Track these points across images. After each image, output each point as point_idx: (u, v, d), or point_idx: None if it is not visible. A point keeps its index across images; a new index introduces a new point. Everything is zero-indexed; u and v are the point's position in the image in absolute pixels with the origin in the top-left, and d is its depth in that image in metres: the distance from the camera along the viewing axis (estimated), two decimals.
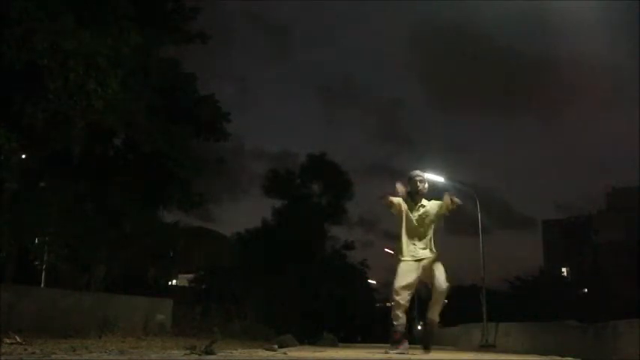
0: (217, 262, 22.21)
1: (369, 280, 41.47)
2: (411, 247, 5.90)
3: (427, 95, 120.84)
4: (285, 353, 5.41)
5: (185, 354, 4.45)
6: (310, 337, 13.73)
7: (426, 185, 6.05)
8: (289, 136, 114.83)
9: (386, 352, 5.69)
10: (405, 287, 5.85)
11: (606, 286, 31.09)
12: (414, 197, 5.97)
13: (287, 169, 31.36)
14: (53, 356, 3.95)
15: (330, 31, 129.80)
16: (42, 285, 11.84)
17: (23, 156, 8.96)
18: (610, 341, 6.41)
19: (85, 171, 10.71)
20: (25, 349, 4.54)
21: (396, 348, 5.71)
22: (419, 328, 39.35)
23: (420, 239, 5.90)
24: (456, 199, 5.90)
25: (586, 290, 36.31)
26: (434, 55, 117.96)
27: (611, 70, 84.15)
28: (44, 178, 10.99)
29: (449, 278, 5.85)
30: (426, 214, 5.93)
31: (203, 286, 23.40)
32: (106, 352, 4.67)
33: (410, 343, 6.00)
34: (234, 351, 5.74)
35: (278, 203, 29.58)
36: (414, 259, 5.86)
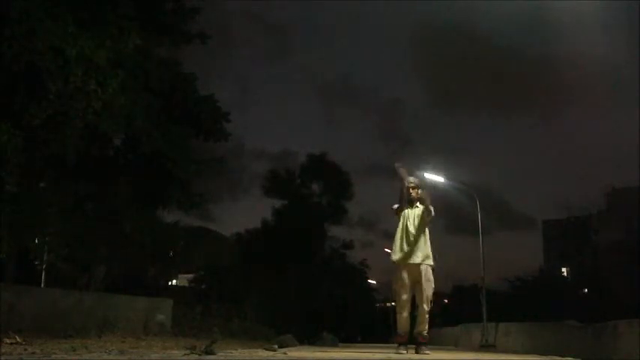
0: (217, 262, 22.24)
1: (369, 280, 41.51)
2: (406, 249, 5.93)
3: (427, 95, 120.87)
4: (285, 353, 5.41)
5: (185, 354, 4.45)
6: (310, 337, 13.74)
7: (420, 190, 6.07)
8: (289, 136, 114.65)
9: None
10: (404, 289, 5.88)
11: (606, 286, 31.06)
12: (411, 203, 6.04)
13: (287, 169, 31.42)
14: (53, 356, 3.95)
15: (330, 31, 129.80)
16: (42, 285, 11.84)
17: (25, 154, 8.95)
18: (610, 341, 6.41)
19: (84, 171, 10.70)
20: (25, 349, 4.54)
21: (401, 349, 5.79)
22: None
23: (415, 242, 5.93)
24: (424, 202, 5.95)
25: (586, 290, 36.29)
26: (434, 55, 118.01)
27: (611, 70, 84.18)
28: (44, 178, 10.99)
29: (431, 300, 5.93)
30: (419, 216, 5.99)
31: (203, 286, 23.40)
32: (106, 352, 4.67)
33: (412, 343, 6.03)
34: (234, 351, 5.74)
35: (278, 203, 29.63)
36: (408, 261, 5.90)
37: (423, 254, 5.90)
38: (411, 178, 6.14)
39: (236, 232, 29.13)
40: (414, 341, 6.04)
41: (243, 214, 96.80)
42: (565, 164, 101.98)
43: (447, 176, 18.81)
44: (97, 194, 11.02)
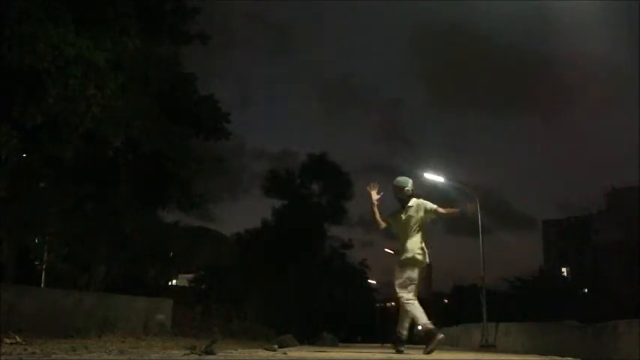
0: (217, 262, 22.23)
1: (369, 280, 41.53)
2: (403, 247, 5.98)
3: (427, 95, 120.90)
4: (285, 353, 5.41)
5: (185, 354, 4.45)
6: (310, 337, 13.74)
7: (408, 188, 6.05)
8: (289, 135, 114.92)
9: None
10: (403, 287, 5.90)
11: (606, 286, 31.07)
12: (402, 202, 6.06)
13: (287, 169, 31.41)
14: (53, 356, 3.95)
15: (331, 30, 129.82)
16: (42, 285, 11.83)
17: (24, 155, 8.95)
18: (610, 341, 6.41)
19: (84, 171, 10.70)
20: (25, 349, 4.54)
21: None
22: (419, 328, 39.33)
23: (408, 240, 5.95)
24: (451, 210, 5.97)
25: (586, 290, 36.29)
26: (434, 55, 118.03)
27: (611, 70, 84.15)
28: (44, 179, 10.99)
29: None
30: (410, 216, 5.97)
31: (203, 286, 23.41)
32: (106, 352, 4.67)
33: (411, 343, 6.06)
34: (234, 351, 5.74)
35: (278, 203, 29.62)
36: (405, 259, 5.93)
37: (419, 250, 5.92)
38: (400, 179, 6.12)
39: (236, 232, 29.14)
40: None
41: (243, 214, 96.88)
42: (565, 164, 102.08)
43: (447, 176, 18.83)
44: (96, 194, 11.01)
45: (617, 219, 38.86)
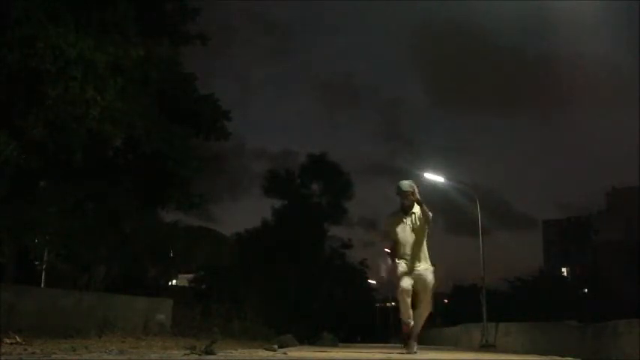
0: (217, 262, 22.21)
1: (369, 280, 41.50)
2: (406, 254, 5.91)
3: (427, 95, 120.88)
4: (285, 353, 5.42)
5: (185, 354, 4.45)
6: (310, 337, 13.74)
7: (413, 197, 5.84)
8: (290, 135, 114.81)
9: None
10: (406, 285, 5.88)
11: (606, 286, 31.10)
12: (405, 210, 5.92)
13: (287, 169, 31.42)
14: (53, 356, 3.96)
15: (331, 30, 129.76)
16: (42, 285, 11.83)
17: (23, 156, 8.94)
18: (610, 341, 6.42)
19: (84, 171, 10.69)
20: (25, 349, 4.54)
21: (407, 345, 5.79)
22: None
23: (413, 247, 5.88)
24: (425, 211, 5.85)
25: (586, 290, 36.32)
26: (434, 55, 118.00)
27: (611, 70, 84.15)
28: (44, 179, 10.98)
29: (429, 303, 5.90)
30: (416, 221, 5.88)
31: (203, 286, 23.39)
32: (106, 352, 4.67)
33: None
34: (234, 351, 5.74)
35: (278, 203, 29.62)
36: (408, 263, 5.89)
37: (424, 258, 5.88)
38: (404, 184, 5.89)
39: (236, 232, 29.12)
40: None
41: (243, 214, 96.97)
42: (565, 164, 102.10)
43: (446, 176, 18.84)
44: (96, 194, 11.00)
45: (617, 219, 38.90)
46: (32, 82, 7.69)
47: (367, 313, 43.48)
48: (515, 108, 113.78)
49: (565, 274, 46.09)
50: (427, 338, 17.28)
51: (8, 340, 5.16)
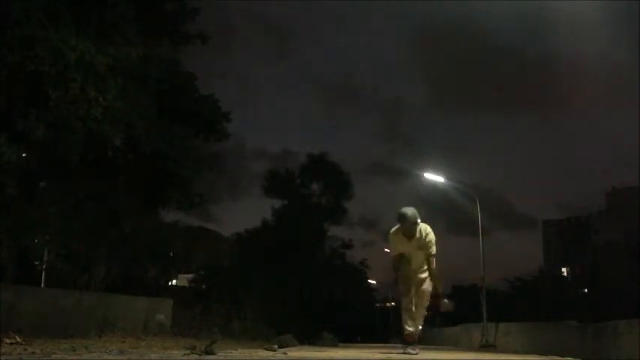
0: (217, 262, 22.21)
1: (369, 280, 41.51)
2: (408, 263, 6.05)
3: (427, 95, 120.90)
4: (285, 353, 5.42)
5: (185, 354, 4.46)
6: (310, 337, 13.73)
7: (416, 222, 5.83)
8: (289, 135, 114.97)
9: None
10: (410, 290, 5.91)
11: (606, 286, 31.09)
12: (406, 235, 5.94)
13: (287, 169, 31.41)
14: (53, 356, 3.96)
15: (331, 30, 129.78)
16: (42, 285, 11.82)
17: (24, 155, 8.95)
18: (610, 341, 6.41)
19: (84, 171, 10.69)
20: (25, 349, 4.54)
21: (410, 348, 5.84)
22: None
23: (416, 260, 6.04)
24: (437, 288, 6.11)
25: (586, 290, 36.32)
26: (434, 55, 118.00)
27: (611, 70, 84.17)
28: (44, 179, 10.98)
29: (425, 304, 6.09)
30: (418, 244, 5.97)
31: (203, 286, 23.39)
32: (106, 352, 4.68)
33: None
34: (234, 351, 5.74)
35: (278, 203, 29.62)
36: (411, 272, 6.05)
37: (425, 269, 6.07)
38: (408, 215, 5.81)
39: (236, 232, 29.12)
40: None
41: (243, 214, 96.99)
42: (565, 164, 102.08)
43: (446, 176, 18.84)
44: (96, 194, 11.00)
45: (617, 219, 38.89)
46: (32, 84, 7.70)
47: (367, 313, 43.48)
48: (515, 108, 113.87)
49: (565, 274, 46.07)
50: (427, 338, 17.27)
51: (8, 340, 5.16)
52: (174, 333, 10.00)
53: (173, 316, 10.84)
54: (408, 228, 5.80)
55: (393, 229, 6.02)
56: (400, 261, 6.06)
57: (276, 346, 6.56)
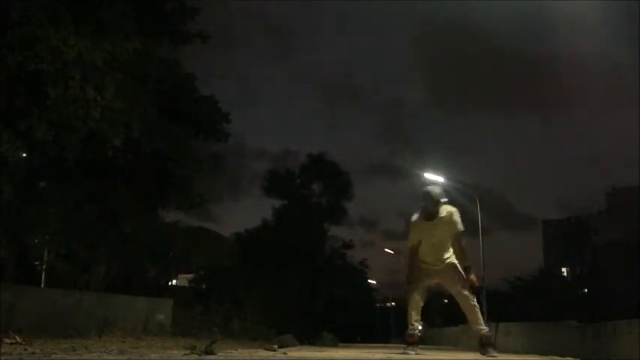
0: (217, 262, 22.20)
1: (369, 280, 41.51)
2: (427, 254, 5.83)
3: (428, 94, 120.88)
4: (285, 353, 5.41)
5: (185, 354, 4.45)
6: (310, 337, 13.72)
7: (440, 201, 5.65)
8: (289, 135, 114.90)
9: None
10: (418, 290, 5.84)
11: (606, 286, 31.06)
12: (429, 216, 5.74)
13: (287, 169, 31.39)
14: (53, 356, 3.96)
15: (331, 30, 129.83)
16: (42, 285, 11.83)
17: (24, 155, 8.95)
18: (610, 341, 6.41)
19: (84, 171, 10.70)
20: (25, 349, 4.54)
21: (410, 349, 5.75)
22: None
23: (435, 247, 5.79)
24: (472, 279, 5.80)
25: (586, 290, 36.30)
26: (434, 55, 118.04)
27: (611, 70, 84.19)
28: (44, 179, 10.98)
29: (462, 285, 5.74)
30: (441, 227, 5.72)
31: (203, 286, 23.38)
32: (106, 352, 4.68)
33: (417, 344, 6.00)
34: (234, 351, 5.74)
35: (278, 203, 29.60)
36: (429, 265, 5.82)
37: (447, 257, 5.80)
38: (431, 191, 5.71)
39: (236, 232, 29.10)
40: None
41: (243, 214, 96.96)
42: (565, 164, 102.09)
43: (446, 176, 18.84)
44: (96, 194, 11.01)
45: (617, 219, 38.86)
46: (33, 83, 7.70)
47: (367, 313, 43.47)
48: (515, 108, 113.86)
49: (565, 274, 46.05)
50: (427, 338, 17.27)
51: (8, 340, 5.17)
52: (174, 333, 10.01)
53: (173, 316, 10.85)
54: (434, 205, 5.65)
55: (414, 216, 5.87)
56: (416, 253, 5.83)
57: (276, 346, 6.56)
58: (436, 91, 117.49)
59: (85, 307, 8.51)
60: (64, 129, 8.27)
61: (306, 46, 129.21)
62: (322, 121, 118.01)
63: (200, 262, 21.91)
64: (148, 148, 10.75)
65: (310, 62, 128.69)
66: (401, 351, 5.97)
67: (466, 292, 5.76)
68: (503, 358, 5.53)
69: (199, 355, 4.38)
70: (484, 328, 5.76)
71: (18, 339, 5.28)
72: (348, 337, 26.12)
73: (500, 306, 25.31)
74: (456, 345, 16.09)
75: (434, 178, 18.84)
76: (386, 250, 43.75)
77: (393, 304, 49.12)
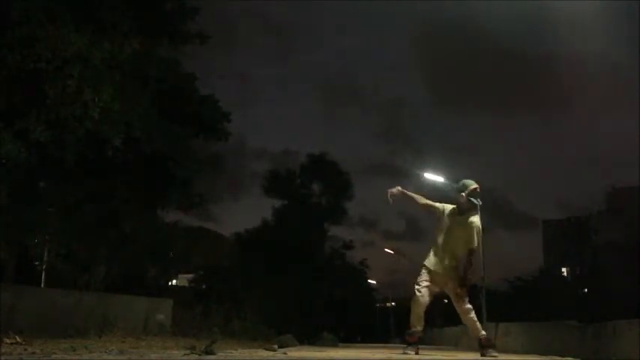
0: (217, 262, 22.21)
1: (369, 280, 41.52)
2: (440, 256, 5.79)
3: (428, 94, 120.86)
4: (285, 353, 5.42)
5: (185, 354, 4.46)
6: (310, 337, 13.73)
7: (463, 194, 5.65)
8: (290, 135, 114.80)
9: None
10: (426, 289, 5.81)
11: (606, 286, 31.04)
12: (460, 211, 5.73)
13: (287, 169, 31.39)
14: (53, 356, 3.96)
15: (331, 30, 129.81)
16: (42, 285, 11.83)
17: (23, 155, 8.95)
18: (610, 341, 6.41)
19: (84, 171, 10.70)
20: (25, 349, 4.54)
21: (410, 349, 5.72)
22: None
23: (449, 251, 5.77)
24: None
25: (586, 290, 36.28)
26: (435, 55, 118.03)
27: (611, 70, 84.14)
28: (44, 179, 10.98)
29: (462, 296, 5.73)
30: (459, 227, 5.70)
31: (203, 286, 23.39)
32: (106, 352, 4.68)
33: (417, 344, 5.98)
34: (234, 351, 5.74)
35: (278, 203, 29.60)
36: (439, 269, 5.79)
37: (455, 266, 5.78)
38: (464, 181, 5.74)
39: (236, 232, 29.10)
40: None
41: (243, 214, 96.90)
42: (565, 164, 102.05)
43: (447, 176, 18.82)
44: (96, 194, 11.01)
45: (617, 219, 38.85)
46: (31, 82, 7.70)
47: (367, 313, 43.49)
48: (516, 108, 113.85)
49: (565, 274, 46.02)
50: (427, 338, 17.25)
51: (8, 340, 5.16)
52: (174, 333, 10.00)
53: (173, 316, 10.85)
54: (459, 197, 5.66)
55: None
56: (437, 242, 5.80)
57: (276, 346, 6.57)
58: (436, 91, 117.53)
59: (85, 307, 8.51)
60: (62, 129, 8.27)
61: (306, 46, 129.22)
62: (322, 121, 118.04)
63: (200, 262, 21.93)
64: (148, 148, 10.75)
65: (310, 62, 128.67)
66: (401, 351, 5.97)
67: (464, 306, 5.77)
68: (503, 358, 5.53)
69: (199, 355, 4.38)
70: (482, 332, 5.76)
71: (18, 339, 5.28)
72: (348, 337, 26.16)
73: (500, 306, 25.28)
74: (456, 345, 16.10)
75: (434, 178, 18.83)
76: (386, 250, 43.74)
77: (393, 304, 49.13)
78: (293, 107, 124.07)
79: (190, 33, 11.80)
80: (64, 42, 7.38)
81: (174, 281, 25.16)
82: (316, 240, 28.89)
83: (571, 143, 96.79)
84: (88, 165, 10.50)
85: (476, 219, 5.70)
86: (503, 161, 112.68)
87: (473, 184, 5.78)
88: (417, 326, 5.85)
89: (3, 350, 4.42)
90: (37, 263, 12.18)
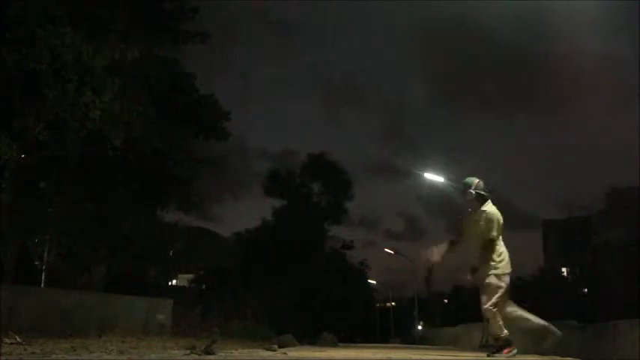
0: (217, 262, 22.20)
1: (369, 280, 41.49)
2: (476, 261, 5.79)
3: (429, 94, 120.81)
4: (285, 353, 5.42)
5: (185, 354, 4.46)
6: (310, 337, 13.73)
7: (470, 191, 5.62)
8: (290, 135, 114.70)
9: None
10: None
11: (606, 286, 31.04)
12: (472, 207, 5.71)
13: (287, 168, 31.41)
14: (53, 356, 3.96)
15: (333, 30, 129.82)
16: (42, 285, 11.83)
17: (22, 155, 8.96)
18: (610, 341, 6.40)
19: (84, 171, 10.70)
20: (25, 349, 4.54)
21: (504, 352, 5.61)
22: (419, 328, 39.40)
23: (478, 247, 5.76)
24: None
25: (586, 290, 36.29)
26: (435, 55, 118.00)
27: (611, 70, 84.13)
28: (44, 179, 10.98)
29: (488, 300, 5.63)
30: (476, 223, 5.68)
31: (203, 286, 23.39)
32: (106, 352, 4.68)
33: (411, 343, 5.97)
34: (234, 351, 5.74)
35: (278, 203, 29.61)
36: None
37: (484, 260, 5.70)
38: (468, 180, 5.72)
39: (236, 232, 29.10)
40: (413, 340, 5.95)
41: (243, 214, 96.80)
42: (565, 164, 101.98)
43: (447, 176, 18.82)
44: (96, 194, 11.01)
45: (617, 219, 38.86)
46: (30, 83, 7.70)
47: (367, 313, 43.47)
48: (516, 108, 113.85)
49: (565, 274, 46.05)
50: (427, 338, 17.26)
51: (8, 340, 5.16)
52: (174, 333, 10.01)
53: (173, 316, 10.85)
54: (463, 195, 5.68)
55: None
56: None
57: (276, 346, 6.57)
58: (436, 91, 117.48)
59: (85, 307, 8.51)
60: (62, 129, 8.27)
61: (307, 46, 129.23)
62: (322, 121, 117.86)
63: (200, 262, 21.92)
64: (148, 147, 10.76)
65: (310, 62, 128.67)
66: (401, 351, 5.96)
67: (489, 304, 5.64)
68: (503, 358, 5.53)
69: (199, 355, 4.38)
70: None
71: (18, 339, 5.28)
72: (348, 337, 26.13)
73: None
74: (456, 345, 16.10)
75: (434, 178, 18.83)
76: (386, 250, 43.73)
77: (393, 304, 49.14)
78: (293, 107, 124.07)
79: (190, 33, 11.82)
80: (62, 44, 7.37)
81: (174, 281, 25.15)
82: (316, 240, 28.89)
83: (571, 143, 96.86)
84: (88, 165, 10.51)
85: (488, 207, 5.66)
86: (503, 161, 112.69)
87: (476, 179, 5.81)
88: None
89: (3, 350, 4.42)
90: (37, 263, 12.18)
